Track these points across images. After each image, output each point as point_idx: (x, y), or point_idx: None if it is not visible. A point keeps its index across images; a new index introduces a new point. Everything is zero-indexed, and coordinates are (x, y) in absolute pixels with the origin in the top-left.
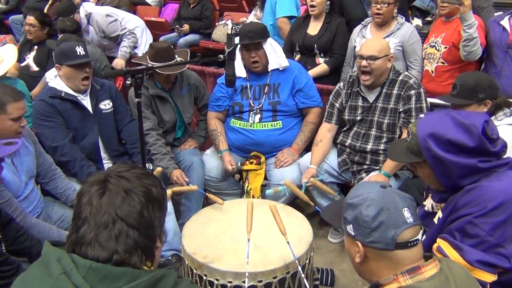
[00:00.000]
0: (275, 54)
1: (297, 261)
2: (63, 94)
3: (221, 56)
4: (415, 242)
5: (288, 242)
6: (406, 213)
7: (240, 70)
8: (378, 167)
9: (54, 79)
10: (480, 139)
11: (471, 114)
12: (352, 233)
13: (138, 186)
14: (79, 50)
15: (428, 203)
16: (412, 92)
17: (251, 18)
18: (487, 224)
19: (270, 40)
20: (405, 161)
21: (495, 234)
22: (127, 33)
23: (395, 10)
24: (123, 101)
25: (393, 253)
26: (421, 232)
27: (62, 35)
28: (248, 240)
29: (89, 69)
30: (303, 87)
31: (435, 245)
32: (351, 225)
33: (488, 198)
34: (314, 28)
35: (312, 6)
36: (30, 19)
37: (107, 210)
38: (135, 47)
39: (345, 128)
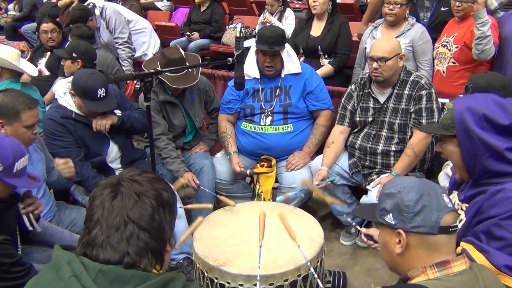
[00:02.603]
0: (290, 60)
1: (308, 263)
2: (73, 115)
3: (230, 59)
4: (455, 228)
5: (299, 246)
6: (446, 198)
7: (253, 70)
8: (389, 171)
9: (64, 96)
10: None
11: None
12: (393, 222)
13: (150, 189)
14: (101, 92)
15: (452, 200)
16: (423, 92)
17: (273, 20)
18: None
19: (287, 46)
20: (436, 133)
21: None
22: (121, 42)
23: (407, 11)
24: (129, 102)
25: (436, 238)
26: (458, 219)
27: (70, 41)
28: (260, 247)
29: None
30: (314, 89)
31: (458, 248)
32: (391, 214)
33: None
34: (317, 29)
35: (314, 5)
36: (50, 25)
37: (119, 212)
38: (133, 56)
39: (355, 130)
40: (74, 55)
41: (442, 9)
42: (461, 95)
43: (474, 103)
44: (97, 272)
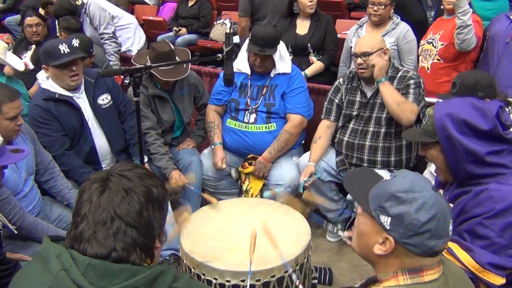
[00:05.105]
0: (282, 60)
1: (290, 268)
2: (57, 96)
3: (220, 55)
4: (442, 252)
5: (281, 256)
6: (451, 226)
7: (245, 66)
8: (376, 167)
9: (46, 80)
10: (493, 122)
11: (487, 101)
12: (388, 227)
13: (139, 185)
14: (63, 48)
15: None
16: (411, 81)
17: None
18: (496, 225)
19: (279, 47)
20: (419, 140)
21: (504, 235)
22: (106, 37)
23: (392, 11)
24: (121, 91)
25: (422, 259)
26: None
27: (80, 37)
28: (250, 262)
29: (76, 67)
30: (292, 90)
31: None
32: (391, 218)
33: (497, 200)
34: (302, 27)
35: (311, 4)
36: (34, 19)
37: (106, 208)
38: (119, 50)
39: (341, 125)
40: (91, 50)
41: (442, 7)
42: (440, 100)
43: (454, 109)
44: (87, 266)
